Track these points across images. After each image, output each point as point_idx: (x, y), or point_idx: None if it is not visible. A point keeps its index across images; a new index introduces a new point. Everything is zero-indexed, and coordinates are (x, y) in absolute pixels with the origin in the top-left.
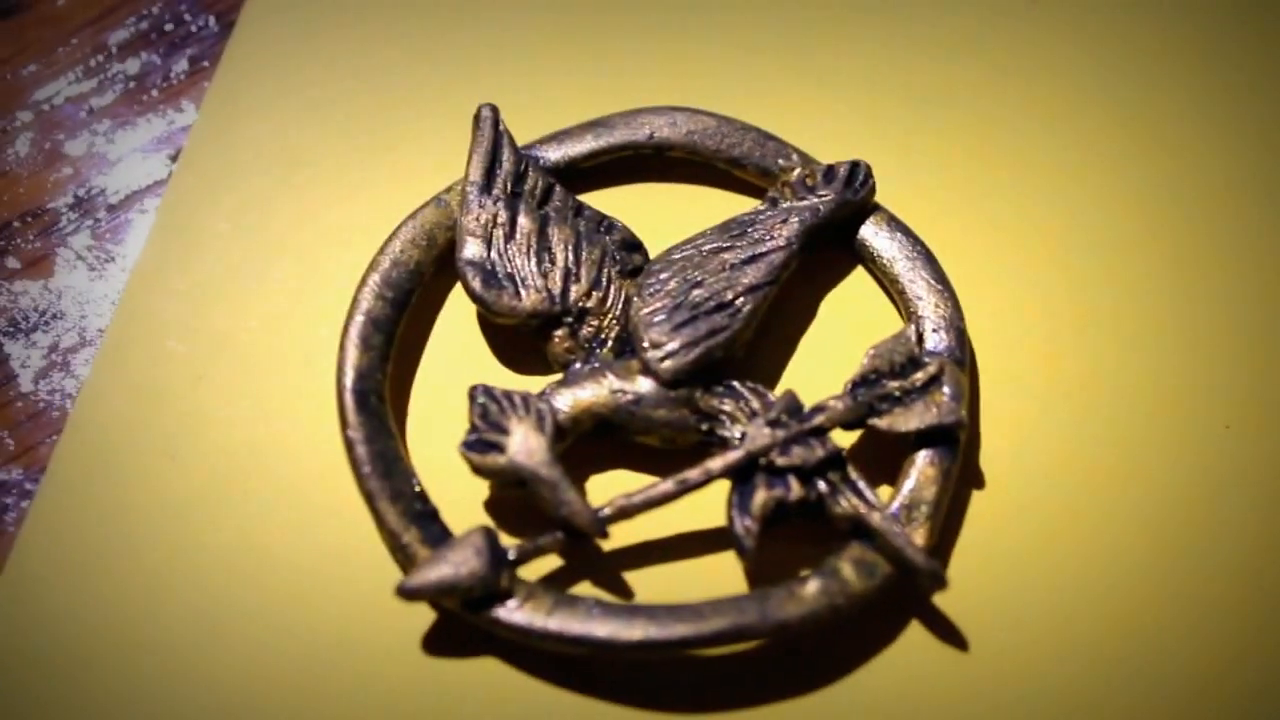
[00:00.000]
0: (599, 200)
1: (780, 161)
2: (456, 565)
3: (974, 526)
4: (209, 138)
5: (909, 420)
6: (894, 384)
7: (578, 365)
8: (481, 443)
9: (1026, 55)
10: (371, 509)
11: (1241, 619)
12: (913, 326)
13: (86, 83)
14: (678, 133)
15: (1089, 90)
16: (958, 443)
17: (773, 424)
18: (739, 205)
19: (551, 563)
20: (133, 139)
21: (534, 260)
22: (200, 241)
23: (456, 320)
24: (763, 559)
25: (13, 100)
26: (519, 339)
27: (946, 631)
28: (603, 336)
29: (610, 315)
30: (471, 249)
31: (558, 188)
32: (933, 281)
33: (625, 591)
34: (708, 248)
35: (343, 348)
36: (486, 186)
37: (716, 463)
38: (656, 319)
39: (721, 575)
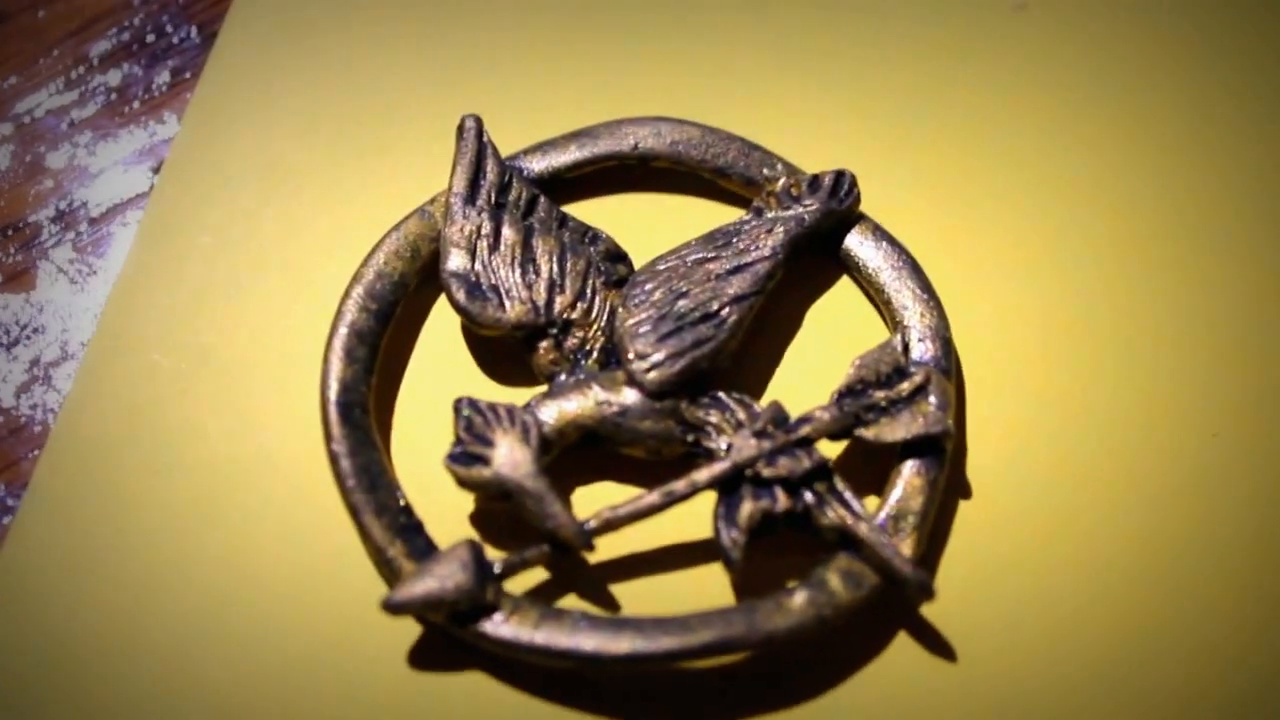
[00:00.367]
0: (583, 211)
1: (765, 171)
2: (442, 579)
3: (961, 536)
4: (192, 150)
5: (895, 430)
6: (880, 394)
7: (563, 377)
8: (466, 455)
9: (1012, 64)
10: (356, 522)
11: (1231, 627)
12: (899, 336)
13: (68, 95)
14: (662, 143)
15: (1075, 99)
16: (944, 452)
17: (759, 435)
18: (724, 215)
19: (538, 576)
20: (115, 151)
21: (518, 271)
22: (183, 254)
23: (441, 332)
24: (749, 571)
25: None
26: (504, 351)
27: (934, 642)
28: (588, 348)
29: (595, 327)
30: (455, 260)
31: (542, 199)
32: (918, 291)
33: (612, 604)
34: (693, 258)
35: (326, 360)
36: (470, 198)
37: (702, 474)
38: (642, 330)
39: (708, 587)
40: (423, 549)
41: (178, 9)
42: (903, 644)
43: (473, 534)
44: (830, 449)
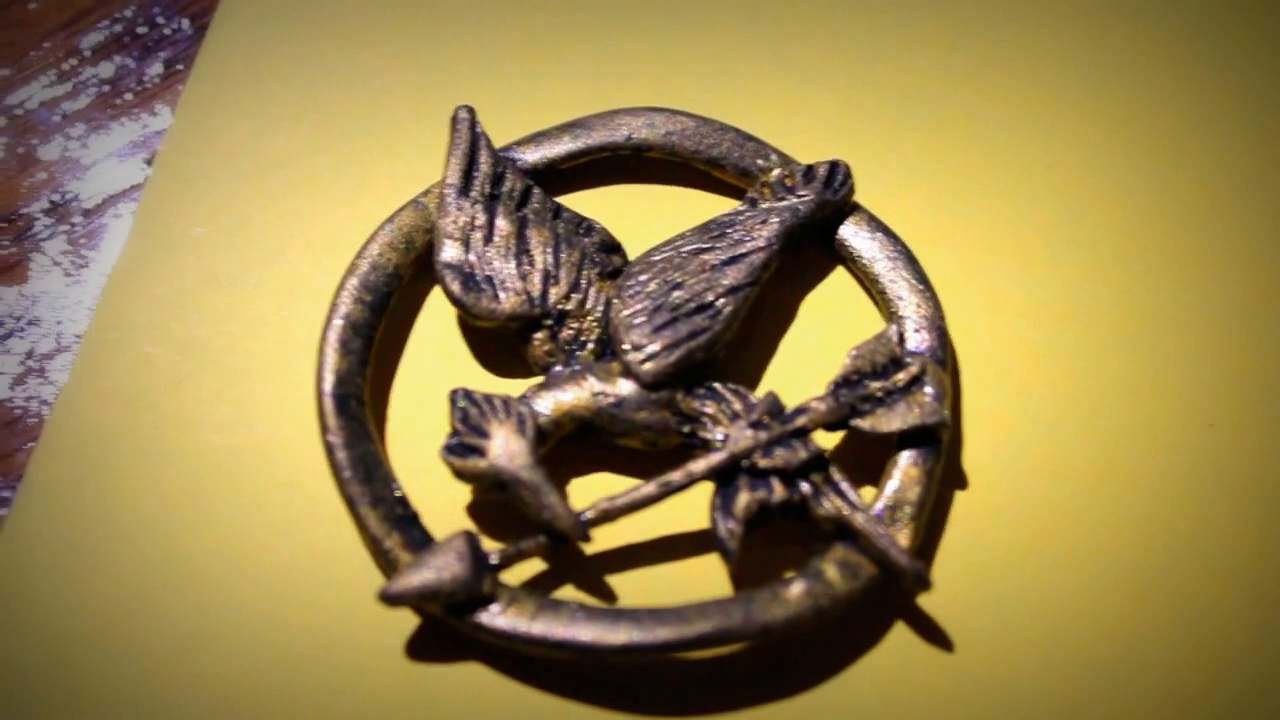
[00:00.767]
0: (577, 202)
1: (759, 162)
2: (439, 570)
3: (958, 527)
4: (184, 141)
5: (891, 421)
6: (876, 384)
7: (558, 368)
8: (462, 446)
9: (1006, 54)
10: (353, 514)
11: (1227, 618)
12: (894, 326)
13: (60, 87)
14: (656, 134)
15: (1069, 89)
16: (941, 443)
17: (755, 425)
18: (718, 206)
19: (534, 567)
20: (107, 143)
21: (513, 263)
22: (177, 246)
23: (436, 323)
24: (746, 561)
25: None
26: (499, 342)
27: (931, 632)
28: (583, 339)
29: (590, 317)
30: (450, 252)
31: (536, 190)
32: (914, 281)
33: (609, 595)
34: (687, 249)
35: (321, 352)
36: (464, 189)
37: (699, 465)
38: (637, 321)
39: (705, 578)
40: (419, 540)
41: (169, 1)
42: (899, 634)
43: (469, 525)
44: (826, 440)
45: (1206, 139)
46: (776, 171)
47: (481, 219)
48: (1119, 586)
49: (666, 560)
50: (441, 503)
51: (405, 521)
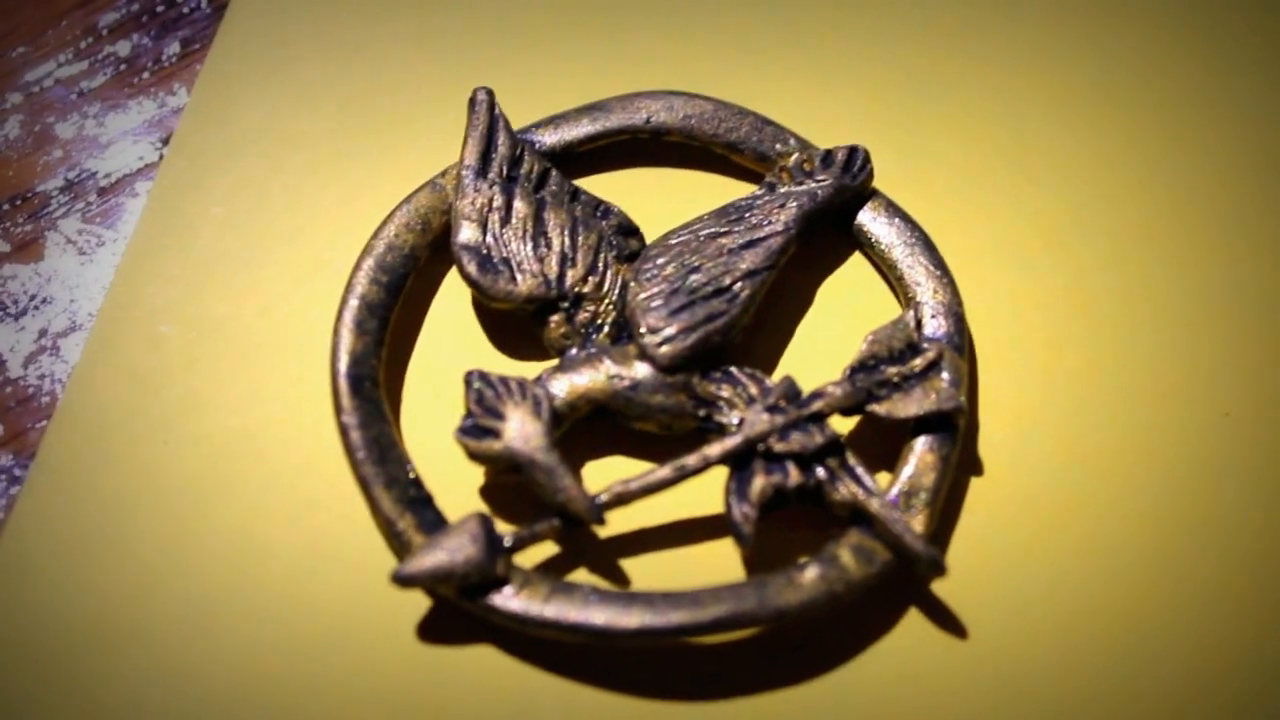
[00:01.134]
0: (595, 185)
1: (778, 146)
2: (452, 552)
3: (973, 513)
4: (201, 121)
5: (908, 406)
6: (893, 370)
7: (574, 351)
8: (477, 428)
9: (1027, 40)
10: (366, 495)
11: (1242, 606)
12: (911, 312)
13: (77, 65)
14: (674, 117)
15: (1089, 75)
16: (957, 429)
17: (771, 410)
18: (736, 190)
19: (548, 549)
20: (124, 122)
21: (530, 245)
22: (192, 226)
23: (452, 305)
24: (761, 546)
25: (2, 82)
26: (515, 324)
27: (945, 619)
28: (599, 322)
29: (607, 300)
30: (467, 233)
31: (554, 172)
32: (931, 267)
33: (622, 579)
34: (705, 233)
35: (337, 332)
36: (482, 170)
37: (714, 449)
38: (654, 304)
39: (719, 562)
40: (432, 522)
41: None
42: (914, 620)
43: (483, 507)
44: (842, 425)
45: (1227, 128)
46: (795, 156)
47: (499, 201)
48: (1133, 574)
49: (681, 544)
50: (455, 485)
51: (419, 503)
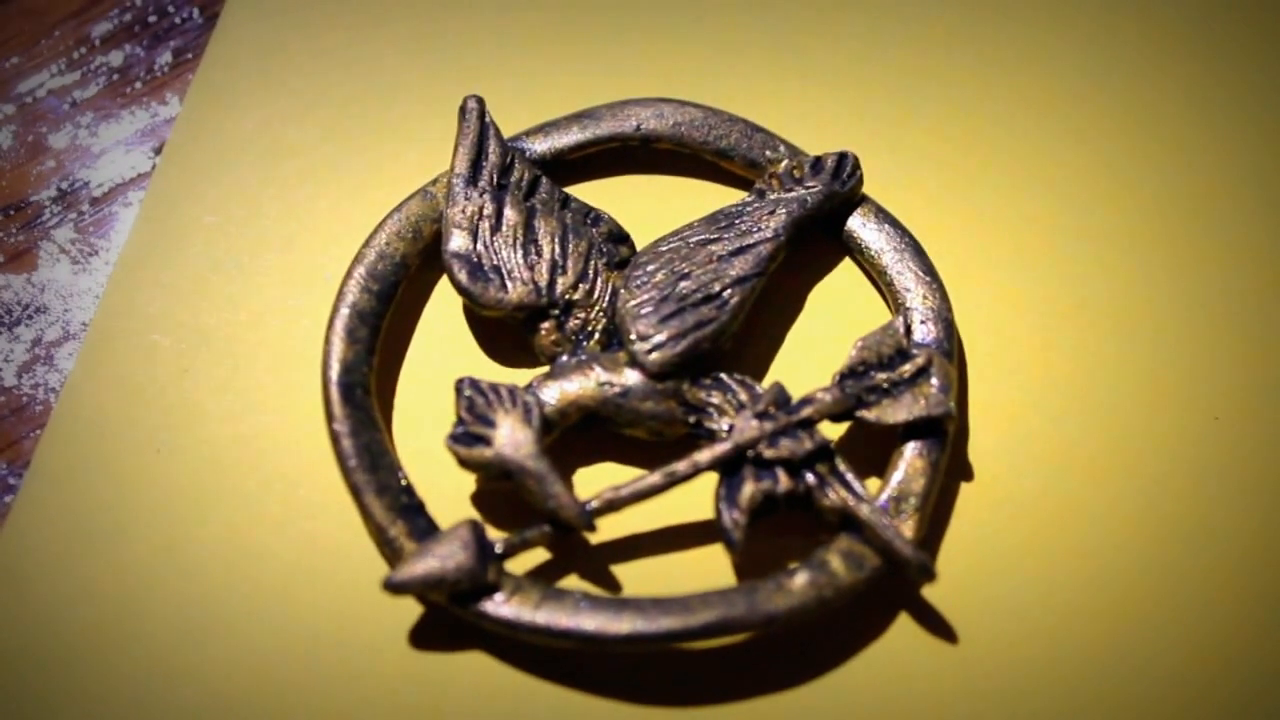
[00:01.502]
0: (585, 192)
1: (767, 153)
2: (443, 559)
3: (963, 518)
4: (193, 130)
5: (897, 412)
6: (882, 376)
7: (564, 358)
8: (468, 435)
9: (1015, 46)
10: (358, 502)
11: (1232, 610)
12: (901, 318)
13: (69, 75)
14: (664, 124)
15: (1078, 81)
16: (946, 434)
17: (760, 416)
18: (726, 197)
19: (539, 556)
20: (116, 132)
21: (520, 252)
22: (185, 235)
23: (442, 313)
24: (750, 552)
25: None
26: (505, 331)
27: (935, 624)
28: (589, 329)
29: (597, 307)
30: (457, 241)
31: (544, 180)
32: (921, 273)
33: (613, 585)
34: (695, 240)
35: (328, 341)
36: (472, 178)
37: (704, 455)
38: (644, 311)
39: (709, 568)
40: (424, 529)
41: None
42: (903, 625)
43: (474, 514)
44: (832, 430)
45: (1214, 134)
46: (785, 162)
47: (489, 209)
48: (1123, 578)
49: (671, 550)
50: (447, 492)
51: (410, 510)
